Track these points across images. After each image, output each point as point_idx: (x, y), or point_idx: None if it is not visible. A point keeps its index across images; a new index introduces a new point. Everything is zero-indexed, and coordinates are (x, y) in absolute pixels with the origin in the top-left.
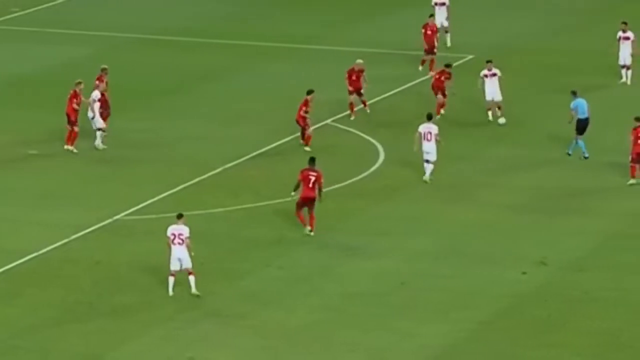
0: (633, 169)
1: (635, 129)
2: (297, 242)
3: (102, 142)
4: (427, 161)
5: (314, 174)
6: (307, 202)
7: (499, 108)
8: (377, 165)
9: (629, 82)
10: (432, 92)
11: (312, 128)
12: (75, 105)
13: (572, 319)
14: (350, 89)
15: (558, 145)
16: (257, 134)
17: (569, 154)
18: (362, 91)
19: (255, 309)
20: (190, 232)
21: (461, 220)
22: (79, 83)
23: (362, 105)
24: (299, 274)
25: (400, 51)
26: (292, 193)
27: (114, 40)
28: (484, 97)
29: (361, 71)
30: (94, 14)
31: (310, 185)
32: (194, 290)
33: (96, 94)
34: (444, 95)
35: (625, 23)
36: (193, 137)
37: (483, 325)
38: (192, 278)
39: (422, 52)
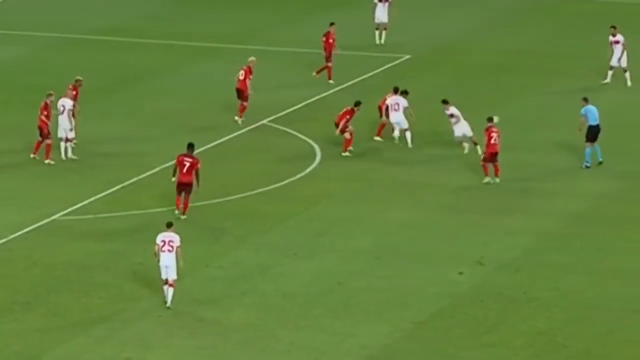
0: (485, 167)
1: (487, 129)
2: (236, 242)
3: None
4: (400, 130)
5: (189, 159)
6: (182, 187)
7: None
8: (313, 165)
9: (629, 83)
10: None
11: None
12: (43, 117)
13: (509, 319)
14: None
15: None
16: (192, 134)
17: (588, 166)
18: (248, 92)
19: (193, 308)
20: (180, 241)
21: (398, 220)
22: (50, 95)
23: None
24: (237, 274)
25: (336, 52)
26: (172, 179)
27: (48, 41)
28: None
29: (248, 69)
30: (27, 15)
31: (185, 170)
32: (169, 304)
33: (69, 103)
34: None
35: (614, 27)
36: (129, 137)
37: (420, 325)
38: (171, 290)
39: (324, 58)
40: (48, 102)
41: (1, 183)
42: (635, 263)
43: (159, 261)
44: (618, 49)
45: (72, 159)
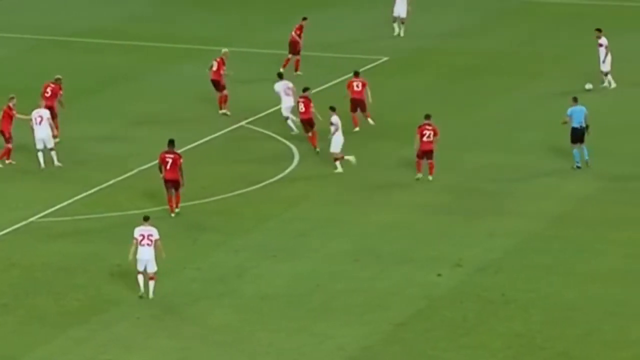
0: (419, 164)
1: (420, 126)
2: (213, 244)
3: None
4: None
5: (171, 156)
6: (169, 184)
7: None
8: (292, 167)
9: (613, 85)
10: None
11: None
12: (6, 123)
13: (488, 320)
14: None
15: (474, 146)
16: (171, 135)
17: (579, 167)
18: (222, 83)
19: (172, 310)
20: (159, 234)
21: (377, 221)
22: (12, 98)
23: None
24: (216, 275)
25: (315, 53)
26: (161, 175)
27: (30, 43)
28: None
29: (221, 60)
30: (9, 16)
31: (169, 167)
32: (151, 295)
33: (47, 113)
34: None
35: (599, 30)
36: (108, 138)
37: (399, 327)
38: (152, 283)
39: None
40: (11, 105)
41: None
42: (614, 265)
43: (135, 254)
44: (601, 52)
45: (58, 167)
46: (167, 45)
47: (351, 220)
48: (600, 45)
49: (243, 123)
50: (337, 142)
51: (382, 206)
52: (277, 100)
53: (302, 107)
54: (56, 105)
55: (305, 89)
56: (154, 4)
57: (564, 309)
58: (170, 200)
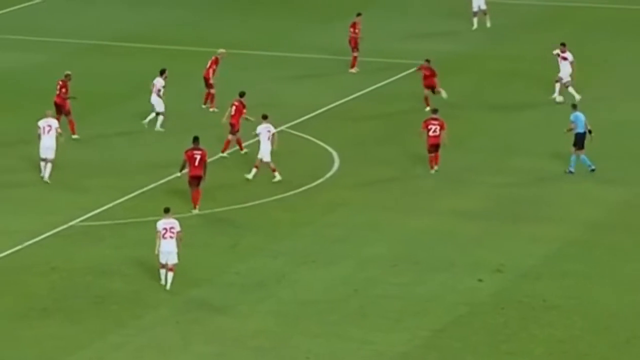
0: (431, 159)
1: (425, 121)
2: (252, 249)
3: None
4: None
5: (199, 152)
6: (194, 181)
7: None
8: (331, 172)
9: (559, 98)
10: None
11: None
12: None
13: (528, 326)
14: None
15: (513, 151)
16: (210, 141)
17: (571, 172)
18: (210, 82)
19: (210, 315)
20: (181, 226)
21: (416, 227)
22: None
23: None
24: (254, 280)
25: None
26: (179, 173)
27: (69, 47)
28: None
29: (215, 59)
30: (49, 21)
31: (196, 164)
32: (168, 287)
33: (56, 123)
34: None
35: (563, 44)
36: (147, 143)
37: (438, 333)
38: (170, 275)
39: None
40: None
41: (17, 190)
42: None
43: (159, 247)
44: (566, 65)
45: (46, 182)
46: (202, 49)
47: (390, 226)
48: (565, 59)
49: (283, 127)
50: (264, 151)
51: (421, 212)
52: (318, 103)
53: (232, 111)
54: (68, 102)
55: (241, 94)
56: (189, 8)
57: (605, 315)
58: (194, 197)
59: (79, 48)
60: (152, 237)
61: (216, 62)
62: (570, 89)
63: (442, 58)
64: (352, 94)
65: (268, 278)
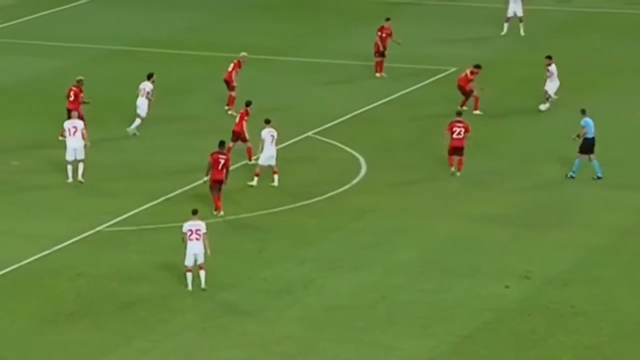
0: (451, 160)
1: (450, 123)
2: (279, 255)
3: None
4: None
5: (224, 157)
6: (216, 184)
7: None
8: (358, 178)
9: (544, 107)
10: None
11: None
12: None
13: (556, 333)
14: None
15: (540, 158)
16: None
17: (573, 176)
18: (232, 84)
19: (236, 320)
20: (207, 228)
21: (443, 233)
22: None
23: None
24: (281, 286)
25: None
26: (205, 177)
27: (93, 52)
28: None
29: (238, 62)
30: (73, 27)
31: (220, 167)
32: (203, 285)
33: (81, 124)
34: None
35: (549, 57)
36: (172, 148)
37: (464, 339)
38: (202, 273)
39: (375, 58)
40: None
41: (43, 195)
42: None
43: (185, 249)
44: (549, 77)
45: (80, 182)
46: (224, 54)
47: (417, 232)
48: (550, 72)
49: (310, 133)
50: (267, 156)
51: (448, 217)
52: (345, 109)
53: (237, 119)
54: (80, 108)
55: (247, 103)
56: (212, 14)
57: (633, 322)
58: (217, 200)
59: (101, 53)
60: (178, 243)
61: (239, 65)
62: (546, 105)
63: (468, 64)
64: (379, 100)
65: (295, 284)
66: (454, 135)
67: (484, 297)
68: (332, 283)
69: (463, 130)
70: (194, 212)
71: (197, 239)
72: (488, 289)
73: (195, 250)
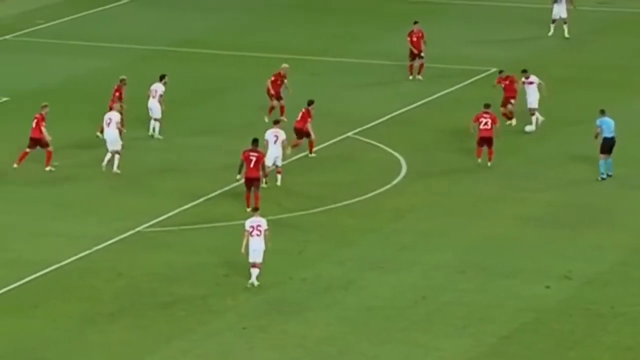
0: (479, 151)
1: (478, 115)
2: (319, 255)
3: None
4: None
5: (255, 154)
6: (250, 182)
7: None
8: (398, 178)
9: (534, 128)
10: (450, 104)
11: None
12: (43, 129)
13: (595, 334)
14: (272, 92)
15: (579, 159)
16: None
17: (603, 178)
18: (281, 95)
19: (276, 321)
20: (268, 224)
21: (483, 234)
22: (45, 107)
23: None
24: (321, 286)
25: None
26: (238, 176)
27: (134, 53)
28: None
29: (284, 76)
30: (114, 27)
31: (252, 165)
32: (256, 283)
33: (117, 116)
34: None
35: (525, 71)
36: (211, 149)
37: (504, 340)
38: (255, 271)
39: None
40: (43, 113)
41: (84, 195)
42: None
43: (247, 246)
44: (533, 89)
45: (116, 173)
46: (267, 55)
47: (456, 232)
48: (531, 83)
49: (350, 134)
50: (269, 156)
51: (487, 218)
52: (386, 109)
53: (299, 116)
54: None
55: (310, 102)
56: (253, 14)
57: None
58: (248, 198)
59: (143, 54)
60: (218, 243)
61: (283, 77)
62: (536, 116)
63: (506, 65)
64: (419, 100)
65: (335, 284)
66: (481, 126)
67: (524, 298)
68: (371, 283)
69: (490, 121)
70: (255, 210)
71: (257, 235)
72: (528, 289)
73: (256, 247)
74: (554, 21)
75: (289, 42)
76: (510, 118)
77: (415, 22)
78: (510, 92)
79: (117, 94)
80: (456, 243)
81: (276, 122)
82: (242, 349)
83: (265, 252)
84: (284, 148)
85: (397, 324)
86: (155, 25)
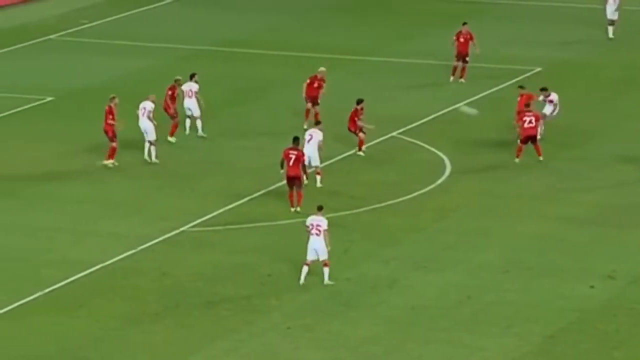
0: (521, 149)
1: (519, 113)
2: (364, 254)
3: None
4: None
5: (295, 152)
6: (291, 181)
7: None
8: (443, 178)
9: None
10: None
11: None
12: (110, 121)
13: None
14: (307, 95)
15: (625, 159)
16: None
17: None
18: (318, 100)
19: (321, 320)
20: (328, 225)
21: (527, 233)
22: (113, 98)
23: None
24: (366, 286)
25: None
26: (281, 171)
27: (176, 52)
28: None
29: (321, 80)
30: (157, 27)
31: (291, 163)
32: (326, 280)
33: (151, 105)
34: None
35: (545, 89)
36: (256, 148)
37: (548, 339)
38: (326, 270)
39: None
40: (112, 105)
41: (128, 195)
42: None
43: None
44: (549, 109)
45: (155, 162)
46: (310, 55)
47: (501, 232)
48: (551, 101)
49: (394, 133)
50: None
51: (531, 218)
52: (430, 109)
53: (348, 116)
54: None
55: (358, 101)
56: (297, 15)
57: None
58: (291, 197)
59: (186, 53)
60: (261, 243)
61: (320, 80)
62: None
63: (555, 65)
64: (463, 100)
65: (379, 284)
66: (526, 125)
67: (569, 297)
68: (416, 283)
69: (534, 118)
70: (319, 208)
71: (316, 234)
72: (572, 289)
73: (315, 246)
74: (611, 22)
75: (333, 42)
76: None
77: (464, 23)
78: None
79: (170, 92)
80: (500, 242)
81: (317, 123)
82: (286, 348)
83: (326, 251)
84: (319, 149)
85: (442, 323)
86: (198, 25)
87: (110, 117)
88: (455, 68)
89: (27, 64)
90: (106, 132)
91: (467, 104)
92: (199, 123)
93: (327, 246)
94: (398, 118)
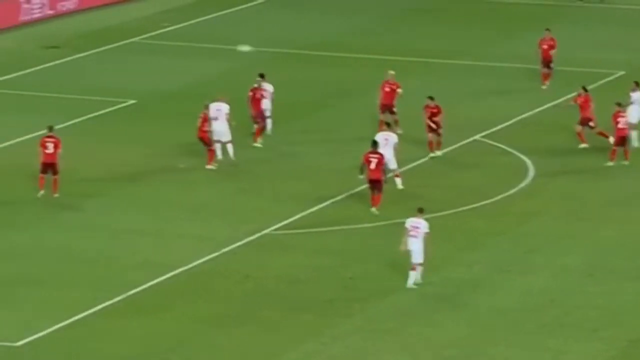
0: (614, 152)
1: (615, 114)
2: (447, 258)
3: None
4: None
5: (375, 156)
6: (373, 184)
7: None
8: (526, 181)
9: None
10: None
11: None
12: (206, 129)
13: None
14: (380, 102)
15: None
16: (401, 149)
17: None
18: (394, 104)
19: (404, 324)
20: (428, 227)
21: (612, 237)
22: (208, 106)
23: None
24: (449, 289)
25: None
26: (361, 176)
27: (261, 55)
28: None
29: (393, 83)
30: (239, 29)
31: (373, 167)
32: (410, 284)
33: (226, 107)
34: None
35: (619, 104)
36: (340, 151)
37: (634, 344)
38: (412, 273)
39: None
40: (207, 112)
41: (211, 198)
42: None
43: (405, 245)
44: (634, 108)
45: (234, 162)
46: (391, 58)
47: (585, 235)
48: (633, 102)
49: (477, 137)
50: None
51: (617, 221)
52: (512, 112)
53: (428, 113)
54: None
55: (430, 98)
56: (380, 18)
57: None
58: (373, 199)
59: (271, 56)
60: (344, 246)
61: (393, 84)
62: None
63: (635, 68)
64: (545, 104)
65: (462, 287)
66: (620, 126)
67: None
68: (500, 286)
69: (626, 120)
70: (420, 210)
71: (414, 236)
72: None
73: (413, 247)
74: None
75: (415, 45)
76: (606, 136)
77: (547, 29)
78: (586, 112)
79: (253, 94)
80: (585, 246)
81: (388, 125)
82: (369, 352)
83: (423, 254)
84: (395, 151)
85: (526, 327)
86: (281, 28)
87: (206, 124)
88: (543, 74)
89: (109, 67)
90: (202, 139)
91: (554, 106)
92: (269, 122)
93: (426, 248)
94: (480, 121)
